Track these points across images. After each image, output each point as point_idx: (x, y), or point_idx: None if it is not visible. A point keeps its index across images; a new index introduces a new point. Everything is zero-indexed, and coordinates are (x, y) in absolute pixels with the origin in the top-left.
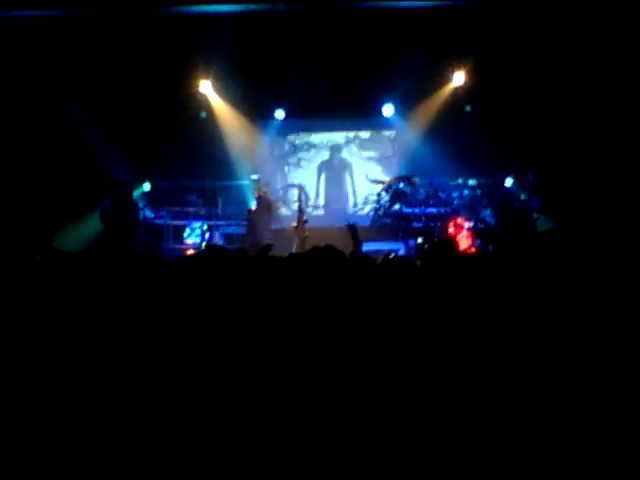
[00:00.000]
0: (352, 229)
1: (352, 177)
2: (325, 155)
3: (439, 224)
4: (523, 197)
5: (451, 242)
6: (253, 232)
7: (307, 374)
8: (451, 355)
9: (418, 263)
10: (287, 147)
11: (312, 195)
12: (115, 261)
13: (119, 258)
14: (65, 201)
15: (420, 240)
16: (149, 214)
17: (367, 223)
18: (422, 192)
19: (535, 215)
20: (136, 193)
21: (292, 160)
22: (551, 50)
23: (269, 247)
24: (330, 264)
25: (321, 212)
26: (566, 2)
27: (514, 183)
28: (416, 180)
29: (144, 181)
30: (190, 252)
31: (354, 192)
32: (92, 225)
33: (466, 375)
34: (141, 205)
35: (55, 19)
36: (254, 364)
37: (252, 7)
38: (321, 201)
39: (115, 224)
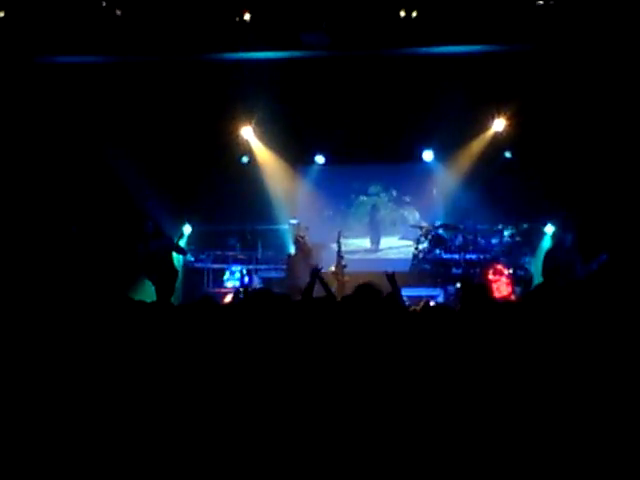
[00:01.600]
0: (391, 280)
1: (390, 222)
2: (364, 200)
3: (478, 270)
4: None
5: (486, 288)
6: (292, 276)
7: (338, 415)
8: (482, 398)
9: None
10: (327, 192)
11: (354, 240)
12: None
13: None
14: (106, 244)
15: (459, 286)
16: (189, 257)
17: (406, 268)
18: (461, 238)
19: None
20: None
21: (332, 205)
22: (590, 97)
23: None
24: (367, 308)
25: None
26: (606, 51)
27: (555, 231)
28: (457, 227)
29: (183, 224)
30: (229, 296)
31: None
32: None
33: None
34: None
35: (98, 66)
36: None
37: (294, 54)
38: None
39: (150, 258)
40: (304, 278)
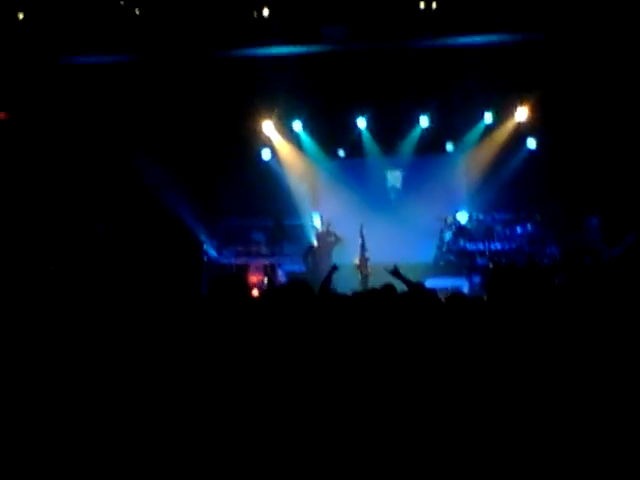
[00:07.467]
0: (396, 274)
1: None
2: (387, 192)
3: (504, 260)
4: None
5: (515, 268)
6: (314, 270)
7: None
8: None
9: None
10: (349, 185)
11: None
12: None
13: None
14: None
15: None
16: (213, 253)
17: (430, 259)
18: (485, 228)
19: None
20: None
21: (355, 198)
22: (613, 85)
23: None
24: (386, 304)
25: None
26: (630, 40)
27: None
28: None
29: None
30: (254, 291)
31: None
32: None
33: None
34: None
35: (120, 65)
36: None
37: (314, 49)
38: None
39: None
40: (325, 269)
